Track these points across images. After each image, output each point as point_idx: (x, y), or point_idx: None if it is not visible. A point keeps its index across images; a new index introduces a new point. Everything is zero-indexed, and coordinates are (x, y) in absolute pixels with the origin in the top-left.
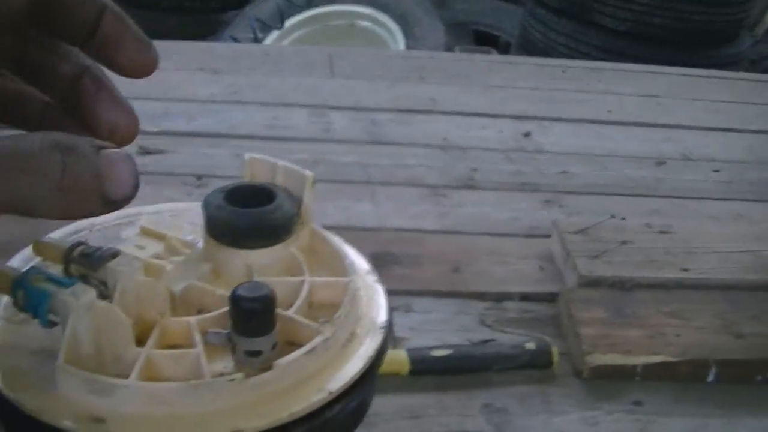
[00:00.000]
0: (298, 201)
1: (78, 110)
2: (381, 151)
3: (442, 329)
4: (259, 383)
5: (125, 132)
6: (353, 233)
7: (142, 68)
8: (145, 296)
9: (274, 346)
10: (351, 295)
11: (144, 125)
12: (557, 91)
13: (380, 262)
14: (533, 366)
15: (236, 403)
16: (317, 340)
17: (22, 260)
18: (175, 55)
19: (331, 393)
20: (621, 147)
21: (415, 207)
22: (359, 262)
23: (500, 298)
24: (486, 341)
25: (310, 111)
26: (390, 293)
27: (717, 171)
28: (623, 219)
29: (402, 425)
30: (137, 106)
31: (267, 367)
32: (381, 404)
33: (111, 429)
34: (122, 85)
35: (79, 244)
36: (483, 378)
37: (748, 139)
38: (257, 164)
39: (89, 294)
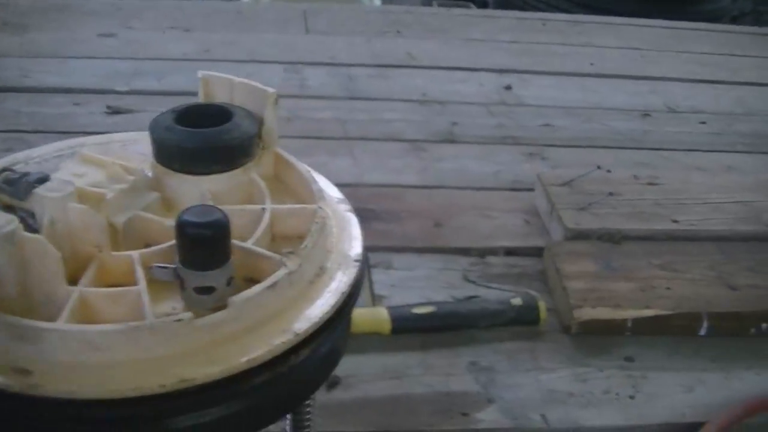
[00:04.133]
0: (259, 121)
1: None
2: (358, 107)
3: (424, 286)
4: (211, 324)
5: None
6: None
7: None
8: (80, 227)
9: (229, 282)
10: (319, 224)
11: (114, 84)
12: (538, 44)
13: (359, 219)
14: (520, 322)
15: (184, 347)
16: (280, 273)
17: None
18: (146, 13)
19: (297, 335)
20: (605, 99)
21: (394, 161)
22: (330, 190)
23: (484, 253)
24: (470, 297)
25: (284, 67)
26: (370, 250)
27: (704, 123)
28: (609, 171)
29: (384, 386)
30: (107, 65)
31: (221, 306)
32: (361, 364)
33: (38, 381)
34: (92, 43)
35: (4, 170)
36: (468, 335)
37: (736, 91)
38: (213, 82)
39: (10, 223)
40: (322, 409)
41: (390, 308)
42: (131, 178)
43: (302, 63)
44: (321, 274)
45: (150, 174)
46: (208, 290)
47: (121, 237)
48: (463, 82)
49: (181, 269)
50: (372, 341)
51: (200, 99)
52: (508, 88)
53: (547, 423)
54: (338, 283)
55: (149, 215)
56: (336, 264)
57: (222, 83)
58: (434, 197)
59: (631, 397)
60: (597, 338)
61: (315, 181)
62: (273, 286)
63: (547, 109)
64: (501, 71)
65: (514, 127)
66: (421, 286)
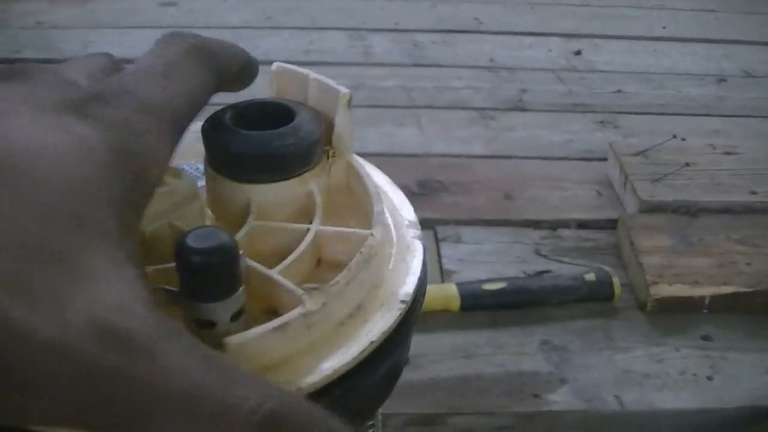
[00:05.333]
0: (328, 124)
1: None
2: (424, 74)
3: (494, 261)
4: None
5: None
6: (397, 160)
7: None
8: None
9: (235, 317)
10: (365, 254)
11: None
12: (608, 7)
13: (427, 190)
14: (593, 299)
15: None
16: (294, 313)
17: None
18: None
19: (300, 389)
20: (678, 64)
21: (462, 131)
22: (403, 209)
23: (556, 225)
24: (542, 272)
25: (348, 34)
26: (438, 223)
27: None
28: (683, 140)
29: (453, 365)
30: None
31: (217, 345)
32: (429, 343)
33: None
34: (153, 13)
35: None
36: (540, 313)
37: None
38: (286, 76)
39: None
40: None
41: (459, 285)
42: (175, 181)
43: (366, 29)
44: (355, 314)
45: (201, 177)
46: (208, 325)
47: (150, 247)
48: (531, 48)
49: (180, 298)
50: (441, 319)
51: (272, 94)
52: (578, 53)
53: (621, 405)
54: (372, 327)
55: (176, 224)
56: (379, 303)
57: (296, 78)
58: (503, 168)
59: (709, 379)
60: (673, 316)
61: (379, 201)
62: (281, 327)
63: (618, 75)
64: (570, 36)
65: (585, 94)
66: (490, 260)
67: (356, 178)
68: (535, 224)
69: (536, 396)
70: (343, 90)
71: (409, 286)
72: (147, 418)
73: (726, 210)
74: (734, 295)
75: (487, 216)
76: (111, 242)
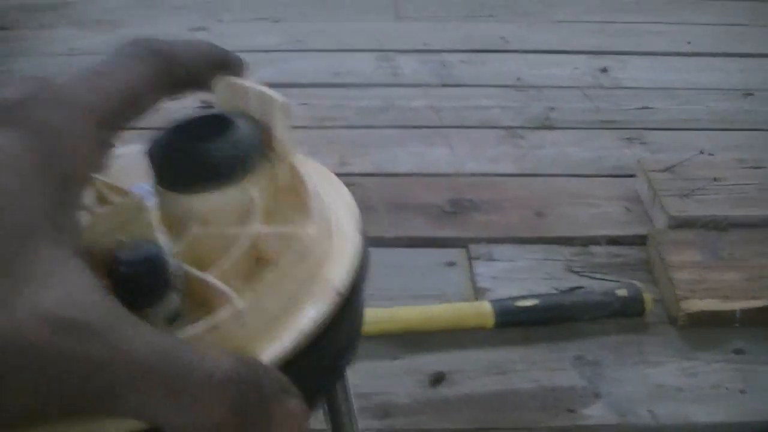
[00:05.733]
0: (267, 133)
1: None
2: (452, 94)
3: (526, 278)
4: None
5: None
6: (428, 180)
7: None
8: None
9: (172, 320)
10: (295, 250)
11: None
12: (632, 24)
13: (458, 209)
14: (625, 314)
15: None
16: (224, 311)
17: None
18: (235, 5)
19: None
20: (703, 79)
21: (491, 150)
22: (347, 207)
23: (587, 242)
24: (574, 289)
25: (376, 56)
26: (471, 241)
27: None
28: (711, 155)
29: (488, 381)
30: None
31: None
32: (464, 360)
33: None
34: (183, 38)
35: None
36: (572, 328)
37: None
38: (230, 89)
39: None
40: (427, 405)
41: (493, 302)
42: (118, 199)
43: (394, 50)
44: (289, 308)
45: (146, 194)
46: None
47: (95, 265)
48: (557, 66)
49: None
50: (475, 336)
51: (220, 106)
52: (604, 70)
53: (655, 419)
54: (302, 319)
55: (123, 241)
56: (313, 296)
57: (238, 90)
58: (533, 185)
59: (742, 392)
60: (704, 330)
61: (317, 198)
62: (212, 328)
63: (644, 91)
64: (596, 53)
65: (612, 110)
66: (523, 277)
67: (298, 179)
68: (567, 241)
69: (571, 411)
70: (279, 98)
71: (344, 278)
72: (110, 394)
73: (754, 224)
74: (765, 309)
75: (518, 234)
76: (48, 243)
